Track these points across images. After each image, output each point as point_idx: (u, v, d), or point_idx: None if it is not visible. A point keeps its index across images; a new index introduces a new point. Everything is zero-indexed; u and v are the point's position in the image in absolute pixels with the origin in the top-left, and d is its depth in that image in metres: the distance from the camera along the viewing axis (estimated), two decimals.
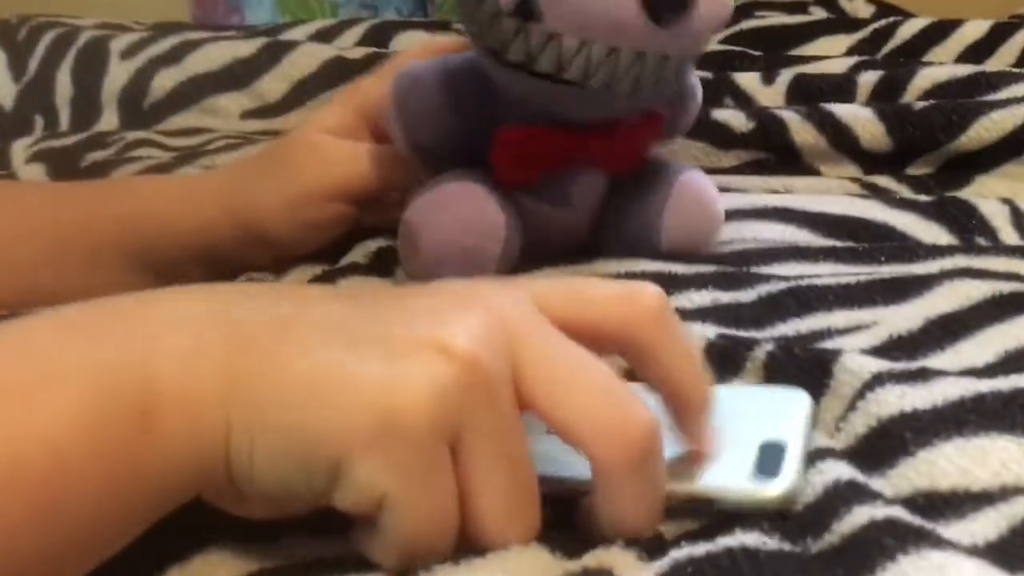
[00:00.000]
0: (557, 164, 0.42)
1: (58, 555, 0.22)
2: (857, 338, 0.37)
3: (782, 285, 0.40)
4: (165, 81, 0.76)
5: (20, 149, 0.69)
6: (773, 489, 0.27)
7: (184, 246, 0.45)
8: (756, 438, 0.28)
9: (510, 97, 0.41)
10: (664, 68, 0.38)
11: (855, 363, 0.32)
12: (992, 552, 0.25)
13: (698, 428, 0.28)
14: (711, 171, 0.59)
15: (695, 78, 0.46)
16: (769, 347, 0.34)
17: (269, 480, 0.23)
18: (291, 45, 0.77)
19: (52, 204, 0.47)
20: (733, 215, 0.51)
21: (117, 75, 0.76)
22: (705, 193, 0.45)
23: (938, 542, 0.23)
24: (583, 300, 0.27)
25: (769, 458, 0.28)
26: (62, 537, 0.22)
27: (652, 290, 0.27)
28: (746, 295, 0.40)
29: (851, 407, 0.31)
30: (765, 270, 0.42)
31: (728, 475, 0.27)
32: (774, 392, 0.32)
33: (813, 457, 0.28)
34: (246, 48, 0.77)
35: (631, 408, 0.25)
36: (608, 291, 0.27)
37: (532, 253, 0.44)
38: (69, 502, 0.21)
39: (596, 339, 0.26)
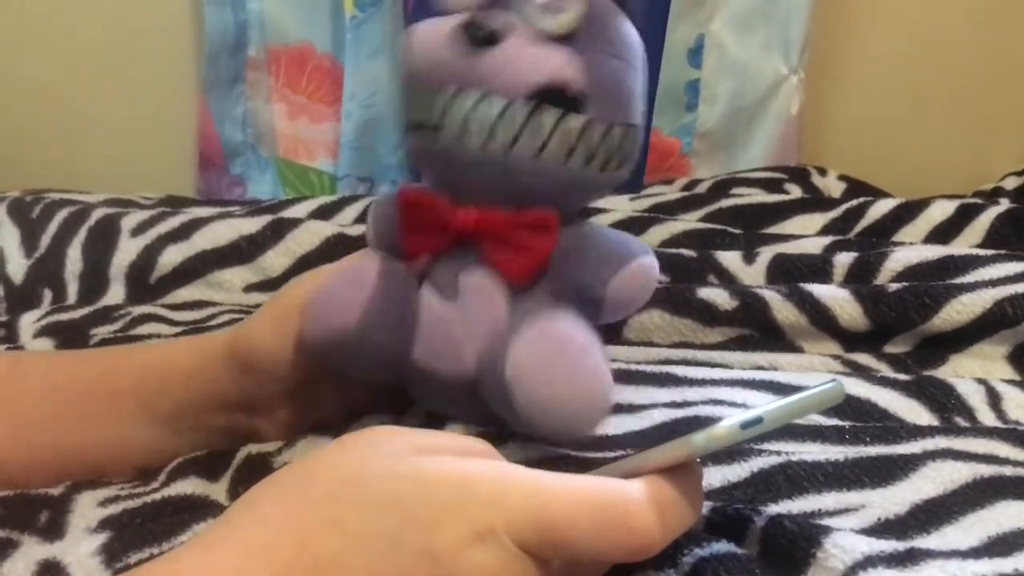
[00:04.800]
0: (441, 237, 0.44)
1: None
2: (847, 520, 0.38)
3: (773, 460, 0.42)
4: (173, 256, 0.78)
5: (28, 323, 0.70)
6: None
7: (190, 386, 0.46)
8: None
9: None
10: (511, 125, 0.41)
11: (847, 541, 0.33)
12: None
13: None
14: (698, 347, 0.62)
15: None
16: (763, 522, 0.36)
17: None
18: (295, 222, 0.81)
19: (77, 362, 0.49)
20: (723, 383, 0.53)
21: (126, 251, 0.79)
22: (557, 349, 0.40)
23: None
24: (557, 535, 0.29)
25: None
26: None
27: (644, 522, 0.29)
28: (738, 470, 0.41)
29: None
30: (756, 447, 0.44)
31: None
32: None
33: None
34: (252, 225, 0.80)
35: None
36: (588, 525, 0.29)
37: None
38: None
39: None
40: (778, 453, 0.42)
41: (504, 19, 0.42)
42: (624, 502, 0.29)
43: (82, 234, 0.81)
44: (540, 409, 0.39)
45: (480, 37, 0.41)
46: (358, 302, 0.43)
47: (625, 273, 0.44)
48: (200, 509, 0.42)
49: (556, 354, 0.39)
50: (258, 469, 0.44)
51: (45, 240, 0.81)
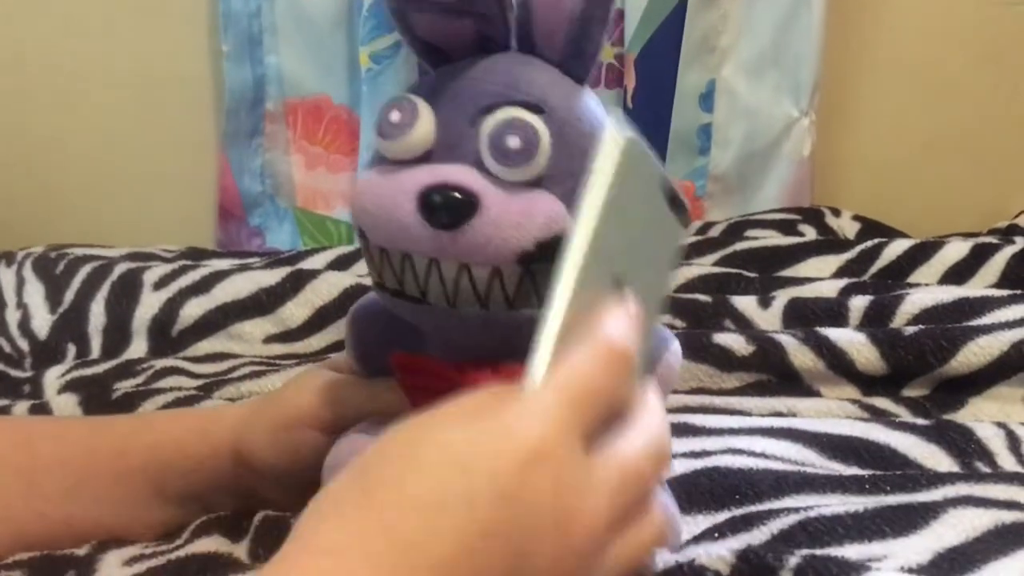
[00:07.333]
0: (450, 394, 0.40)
1: None
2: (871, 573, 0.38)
3: (792, 519, 0.41)
4: (194, 309, 0.79)
5: (52, 379, 0.71)
6: None
7: (198, 472, 0.47)
8: None
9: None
10: (483, 281, 0.36)
11: None
12: None
13: None
14: (715, 393, 0.62)
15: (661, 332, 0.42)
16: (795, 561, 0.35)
17: None
18: (313, 274, 0.82)
19: (86, 436, 0.49)
20: (742, 431, 0.53)
21: (149, 305, 0.80)
22: None
23: None
24: None
25: None
26: None
27: None
28: (757, 535, 0.41)
29: None
30: (776, 504, 0.44)
31: None
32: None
33: None
34: (271, 277, 0.81)
35: None
36: None
37: None
38: None
39: None
40: (796, 510, 0.42)
41: (464, 177, 0.36)
42: None
43: (105, 289, 0.82)
44: None
45: (447, 221, 0.36)
46: None
47: (663, 371, 0.42)
48: (223, 567, 0.42)
49: None
50: (277, 528, 0.45)
51: (69, 295, 0.83)
